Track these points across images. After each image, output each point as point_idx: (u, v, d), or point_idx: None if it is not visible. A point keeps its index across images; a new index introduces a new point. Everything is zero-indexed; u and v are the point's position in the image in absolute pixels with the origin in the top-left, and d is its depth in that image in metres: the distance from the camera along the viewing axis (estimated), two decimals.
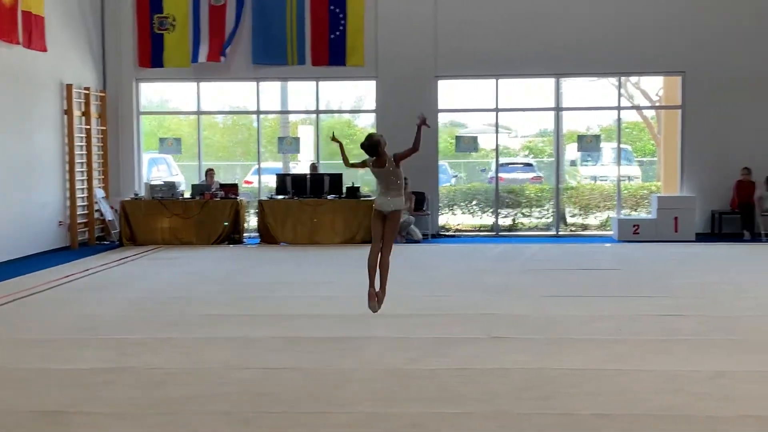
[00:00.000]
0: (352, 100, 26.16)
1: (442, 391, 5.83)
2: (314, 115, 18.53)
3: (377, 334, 7.67)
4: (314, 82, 17.97)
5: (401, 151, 8.19)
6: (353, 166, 8.49)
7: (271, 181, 17.89)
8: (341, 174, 16.76)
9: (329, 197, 16.39)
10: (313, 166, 17.30)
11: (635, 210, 18.64)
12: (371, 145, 8.05)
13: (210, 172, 16.94)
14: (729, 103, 16.85)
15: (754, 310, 8.74)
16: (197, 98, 18.08)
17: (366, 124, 25.25)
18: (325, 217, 16.17)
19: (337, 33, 17.29)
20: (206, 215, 16.05)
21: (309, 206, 16.15)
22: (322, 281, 11.32)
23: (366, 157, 8.19)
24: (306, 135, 20.84)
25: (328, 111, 20.71)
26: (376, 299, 7.74)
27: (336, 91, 20.68)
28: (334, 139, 8.83)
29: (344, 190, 16.55)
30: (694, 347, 6.98)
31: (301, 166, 20.25)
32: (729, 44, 16.86)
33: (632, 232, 16.40)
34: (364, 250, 14.74)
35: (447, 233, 18.08)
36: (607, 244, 16.08)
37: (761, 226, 16.23)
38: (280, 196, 16.40)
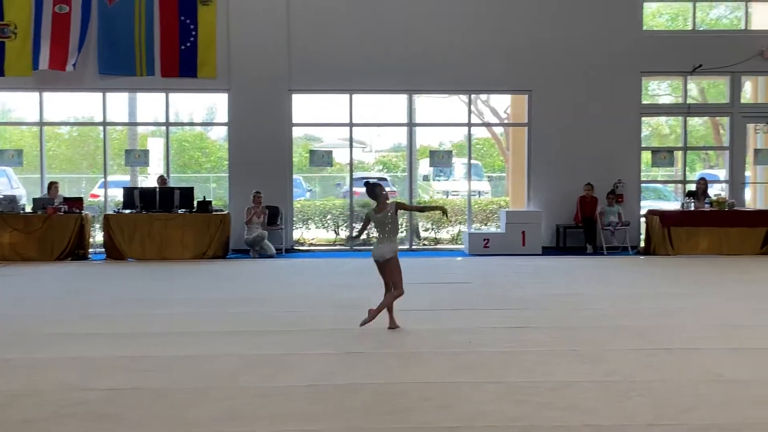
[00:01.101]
0: (203, 113, 25.74)
1: (294, 408, 5.74)
2: (164, 127, 18.08)
3: (230, 351, 7.50)
4: (164, 94, 17.56)
5: (406, 204, 8.34)
6: (364, 227, 9.35)
7: (118, 195, 17.35)
8: (192, 188, 16.44)
9: (180, 211, 16.02)
10: (162, 180, 16.87)
11: (485, 224, 19.08)
12: (370, 188, 8.67)
13: (53, 185, 16.26)
14: (572, 122, 17.54)
15: (596, 320, 9.05)
16: (40, 109, 17.34)
17: (219, 137, 24.92)
18: (175, 232, 15.79)
19: (188, 44, 16.99)
20: (49, 230, 15.42)
21: (158, 221, 15.74)
22: (171, 298, 11.03)
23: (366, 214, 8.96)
24: (155, 147, 20.36)
25: (179, 123, 20.35)
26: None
27: (186, 102, 20.31)
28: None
29: (195, 204, 16.18)
30: (540, 358, 7.16)
31: (150, 179, 19.75)
32: (572, 65, 17.55)
33: (483, 246, 16.76)
34: (217, 266, 14.60)
35: (301, 248, 17.98)
36: (459, 258, 16.37)
37: (602, 240, 16.91)
38: (127, 210, 15.92)
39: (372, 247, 8.96)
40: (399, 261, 8.74)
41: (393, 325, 8.61)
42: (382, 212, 8.63)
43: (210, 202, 16.51)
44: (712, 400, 5.79)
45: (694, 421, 5.34)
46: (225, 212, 16.65)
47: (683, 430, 5.18)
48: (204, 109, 26.02)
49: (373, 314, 8.40)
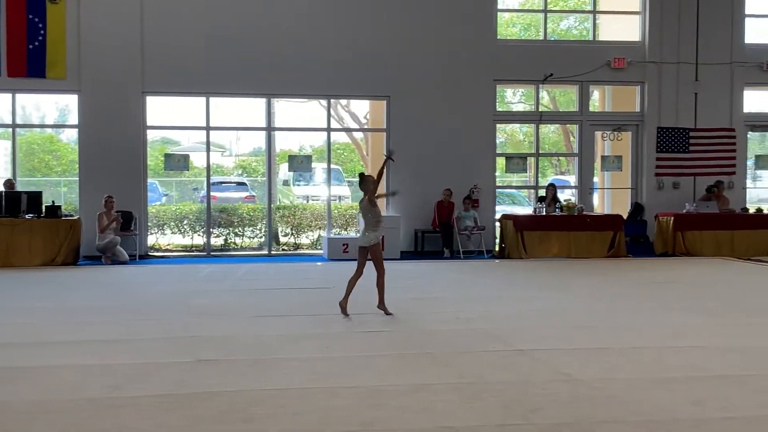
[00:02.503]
0: (55, 114, 24.80)
1: (144, 419, 5.55)
2: (10, 129, 17.28)
3: (75, 362, 7.20)
4: (10, 94, 16.81)
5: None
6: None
7: None
8: (40, 192, 15.83)
9: (27, 216, 15.35)
10: (10, 183, 16.12)
11: (345, 229, 19.12)
12: (359, 178, 9.87)
13: None
14: (430, 127, 17.81)
15: (451, 324, 9.19)
16: None
17: (70, 139, 24.04)
18: (22, 238, 15.13)
19: (36, 43, 16.35)
20: None
21: (4, 226, 15.05)
22: (14, 306, 10.54)
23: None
24: (2, 150, 19.45)
25: (27, 125, 19.51)
26: (344, 309, 9.65)
27: (37, 103, 19.53)
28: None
29: (43, 209, 15.54)
30: (395, 362, 7.20)
31: None
32: (429, 72, 17.83)
33: (342, 251, 16.78)
34: (66, 273, 14.05)
35: (156, 254, 17.55)
36: (318, 263, 16.35)
37: (459, 244, 17.23)
38: None
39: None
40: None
41: (382, 307, 9.69)
42: (362, 202, 9.81)
43: (59, 206, 15.89)
44: (559, 399, 5.96)
45: (543, 420, 5.47)
46: (75, 217, 16.08)
47: (531, 429, 5.30)
48: (56, 110, 25.09)
49: (383, 307, 9.67)
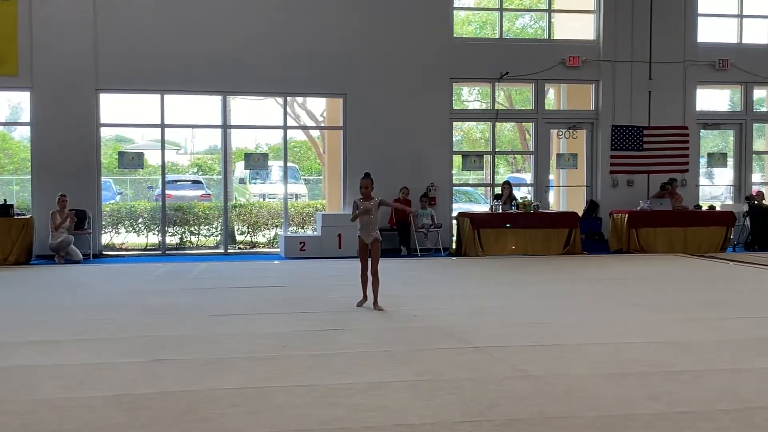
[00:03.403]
0: (7, 112, 24.42)
1: (98, 420, 5.47)
2: None
3: (27, 363, 7.08)
4: None
5: (387, 201, 10.71)
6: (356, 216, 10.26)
7: None
8: None
9: None
10: None
11: (302, 227, 19.06)
12: (364, 177, 10.19)
13: None
14: (387, 125, 17.81)
15: (408, 321, 9.20)
16: None
17: (23, 137, 23.69)
18: None
19: None
20: None
21: None
22: None
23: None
24: None
25: None
26: (363, 303, 10.12)
27: None
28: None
29: None
30: (352, 360, 7.18)
31: None
32: (385, 69, 17.83)
33: (299, 249, 16.73)
34: (19, 272, 13.83)
35: (110, 253, 17.34)
36: (275, 262, 16.28)
37: (416, 242, 17.25)
38: None
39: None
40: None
41: (375, 297, 10.07)
42: (369, 201, 10.09)
43: (12, 205, 15.66)
44: (516, 396, 5.98)
45: (499, 416, 5.49)
46: (28, 216, 15.84)
47: (488, 425, 5.31)
48: (8, 108, 24.70)
49: (375, 297, 10.04)
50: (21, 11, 16.31)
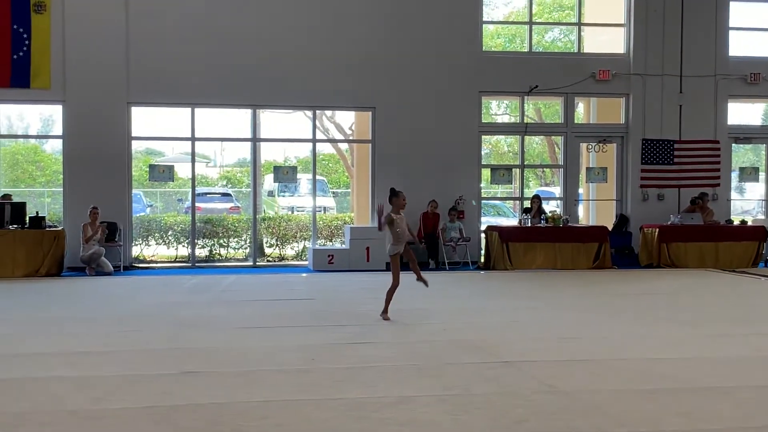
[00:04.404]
0: (39, 124, 24.71)
1: (129, 431, 5.51)
2: None
3: (58, 374, 7.15)
4: None
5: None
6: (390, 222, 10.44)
7: None
8: (24, 203, 15.73)
9: (11, 227, 15.26)
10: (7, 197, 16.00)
11: (330, 240, 19.09)
12: (392, 193, 10.51)
13: None
14: (415, 139, 17.82)
15: (437, 335, 9.18)
16: None
17: (55, 150, 23.96)
18: (6, 249, 15.04)
19: (21, 53, 16.29)
20: None
21: None
22: None
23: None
24: None
25: (11, 136, 19.41)
26: (386, 318, 10.18)
27: (21, 114, 19.47)
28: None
29: (27, 219, 15.46)
30: (381, 374, 7.18)
31: None
32: (414, 83, 17.86)
33: (327, 262, 16.76)
34: (50, 284, 13.97)
35: (140, 265, 17.47)
36: (304, 274, 16.31)
37: (444, 256, 17.23)
38: None
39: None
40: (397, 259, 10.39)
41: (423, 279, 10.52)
42: (399, 216, 10.38)
43: (43, 217, 15.83)
44: (544, 411, 5.95)
45: (528, 431, 5.47)
46: (59, 228, 16.01)
47: None
48: (40, 121, 25.00)
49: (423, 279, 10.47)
50: (54, 25, 16.52)
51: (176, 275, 16.01)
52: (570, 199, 19.15)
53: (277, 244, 19.14)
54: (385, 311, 10.23)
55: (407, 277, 10.71)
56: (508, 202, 26.43)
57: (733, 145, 19.88)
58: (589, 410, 5.99)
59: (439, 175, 17.93)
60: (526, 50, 19.85)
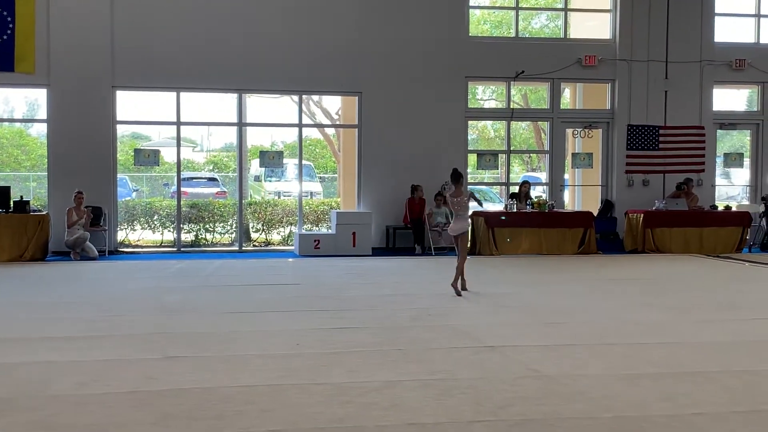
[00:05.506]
0: (24, 108, 24.57)
1: (113, 416, 5.50)
2: None
3: (42, 359, 7.12)
4: None
5: (475, 195, 11.90)
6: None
7: None
8: (9, 187, 15.64)
9: None
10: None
11: (317, 225, 19.08)
12: (456, 174, 11.11)
13: None
14: (402, 124, 17.81)
15: (422, 320, 9.19)
16: None
17: (40, 134, 23.83)
18: None
19: (5, 37, 16.17)
20: None
21: None
22: None
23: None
24: None
25: None
26: (456, 289, 11.02)
27: (6, 97, 19.34)
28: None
29: (11, 204, 15.37)
30: (366, 359, 7.19)
31: None
32: (401, 68, 17.82)
33: (313, 247, 16.75)
34: (34, 268, 13.91)
35: (125, 250, 17.41)
36: (290, 259, 16.30)
37: (430, 241, 17.24)
38: None
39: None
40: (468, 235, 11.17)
41: (463, 287, 11.16)
42: (459, 196, 11.10)
43: (28, 201, 15.73)
44: (529, 396, 5.98)
45: (512, 416, 5.49)
46: (44, 212, 15.93)
47: (501, 425, 5.31)
48: (25, 104, 24.85)
49: (463, 284, 11.17)
50: (38, 9, 16.37)
51: (162, 260, 15.95)
52: (556, 184, 19.17)
53: (263, 229, 19.09)
54: (455, 280, 11.19)
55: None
56: (494, 187, 26.44)
57: (718, 130, 19.94)
58: (574, 395, 6.02)
59: (425, 160, 17.91)
60: (512, 36, 19.82)
